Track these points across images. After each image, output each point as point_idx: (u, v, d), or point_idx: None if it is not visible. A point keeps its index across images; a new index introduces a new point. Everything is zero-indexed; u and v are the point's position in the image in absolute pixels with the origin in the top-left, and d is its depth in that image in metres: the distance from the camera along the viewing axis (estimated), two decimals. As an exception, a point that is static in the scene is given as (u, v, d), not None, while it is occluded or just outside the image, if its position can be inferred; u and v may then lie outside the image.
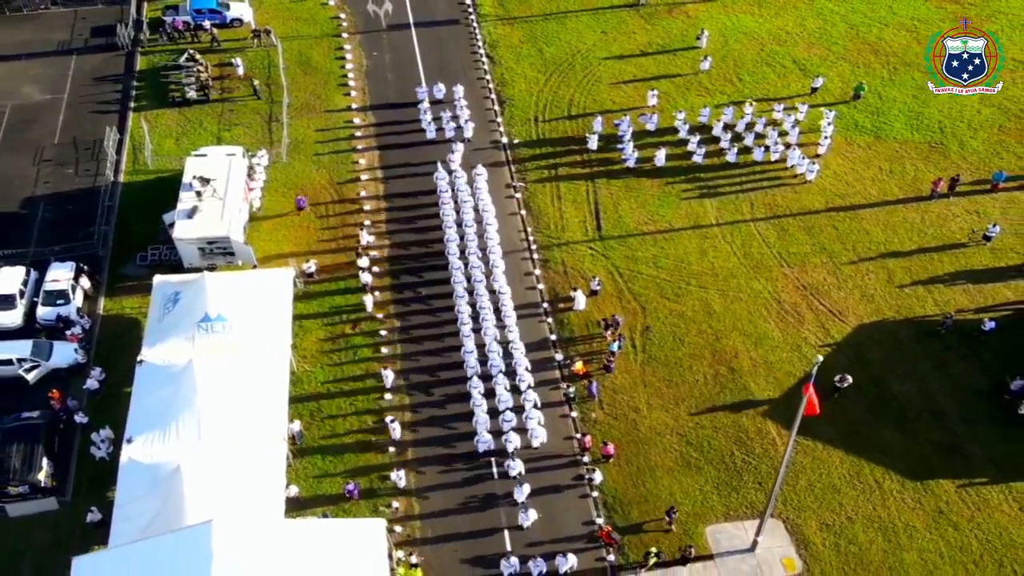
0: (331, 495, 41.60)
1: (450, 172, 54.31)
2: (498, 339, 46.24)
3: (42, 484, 41.01)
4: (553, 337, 47.81)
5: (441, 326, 47.92)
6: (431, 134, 57.25)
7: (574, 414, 44.68)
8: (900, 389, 45.28)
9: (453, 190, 53.31)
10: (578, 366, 45.94)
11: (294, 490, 40.91)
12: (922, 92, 60.10)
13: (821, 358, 33.64)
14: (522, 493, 40.66)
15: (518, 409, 43.60)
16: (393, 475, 41.63)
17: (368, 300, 48.45)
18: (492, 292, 48.38)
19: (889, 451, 43.06)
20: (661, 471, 42.49)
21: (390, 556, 37.06)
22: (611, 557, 39.78)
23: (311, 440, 43.51)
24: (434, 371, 46.18)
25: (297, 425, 43.13)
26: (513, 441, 42.37)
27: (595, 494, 41.81)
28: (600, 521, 40.81)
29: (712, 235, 52.32)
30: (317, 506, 41.17)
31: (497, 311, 47.53)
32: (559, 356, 46.93)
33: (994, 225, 51.41)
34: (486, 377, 44.91)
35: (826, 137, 56.38)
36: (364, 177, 55.24)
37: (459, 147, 55.66)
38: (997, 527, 40.74)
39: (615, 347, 46.24)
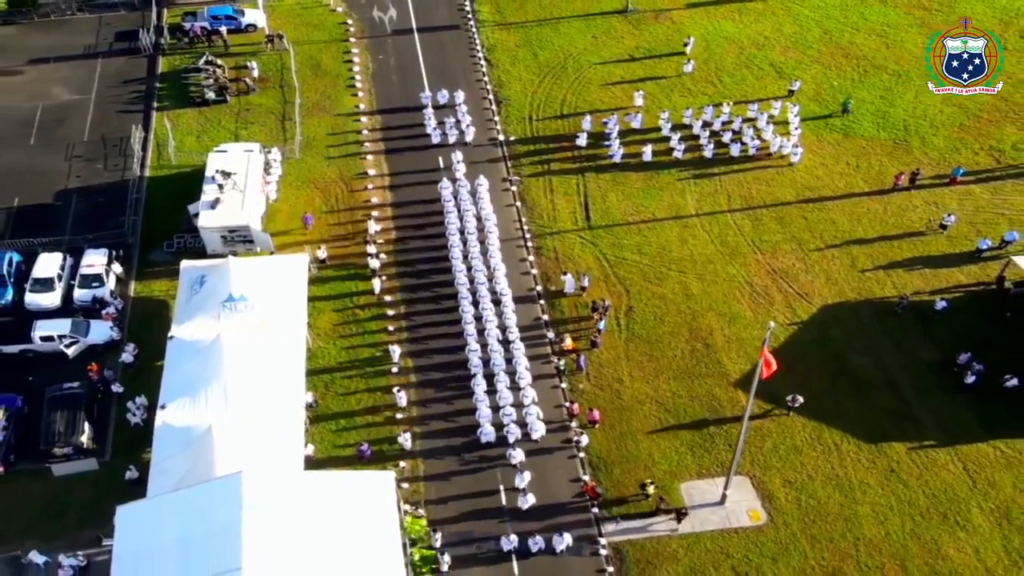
0: (344, 456, 46.06)
1: (453, 182, 58.28)
2: (499, 339, 50.04)
3: (84, 446, 45.55)
4: (545, 317, 52.27)
5: (444, 311, 52.13)
6: (435, 139, 61.25)
7: (564, 385, 49.15)
8: (859, 363, 49.78)
9: (456, 200, 57.08)
10: (568, 342, 50.44)
11: (311, 448, 45.45)
12: (889, 93, 64.73)
13: (773, 324, 38.11)
14: (523, 480, 44.40)
15: (518, 405, 47.41)
16: (400, 438, 46.15)
17: (376, 284, 52.93)
18: (493, 293, 52.25)
19: (847, 417, 47.51)
20: (641, 435, 46.99)
21: (399, 507, 41.51)
22: (595, 509, 44.32)
23: (325, 409, 47.98)
24: (438, 349, 50.48)
25: (310, 396, 47.55)
26: (514, 433, 46.28)
27: (582, 455, 46.29)
28: (586, 478, 45.35)
29: (692, 225, 56.81)
30: (332, 466, 45.49)
31: (499, 312, 51.30)
32: (551, 334, 51.40)
33: (950, 215, 55.91)
34: (488, 375, 48.59)
35: (796, 128, 61.13)
36: (371, 172, 59.59)
37: (460, 155, 59.18)
38: (943, 484, 45.22)
39: (601, 325, 50.75)
